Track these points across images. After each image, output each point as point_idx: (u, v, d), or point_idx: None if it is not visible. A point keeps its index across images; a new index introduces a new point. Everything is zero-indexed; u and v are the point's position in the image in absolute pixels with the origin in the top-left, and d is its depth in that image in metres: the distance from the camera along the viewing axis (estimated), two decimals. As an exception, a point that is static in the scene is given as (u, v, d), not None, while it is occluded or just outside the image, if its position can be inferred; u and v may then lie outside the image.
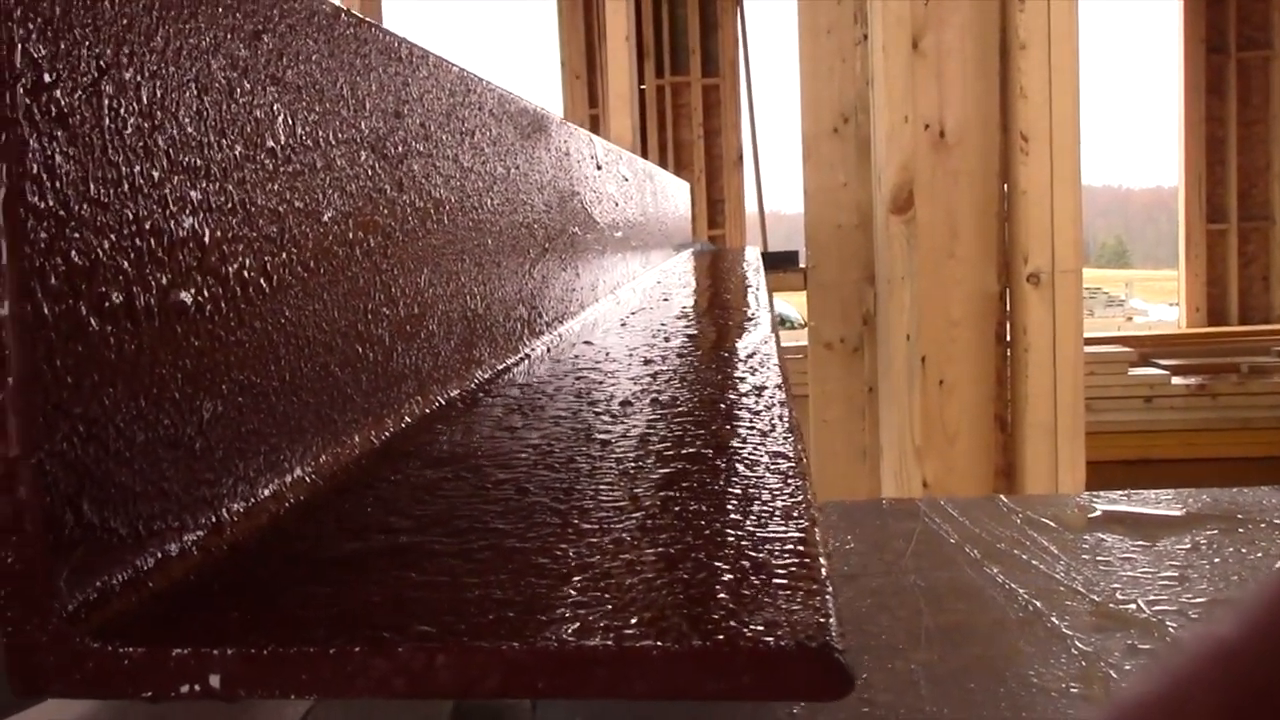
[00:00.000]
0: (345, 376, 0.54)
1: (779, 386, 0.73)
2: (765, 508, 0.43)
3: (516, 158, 0.96)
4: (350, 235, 0.56)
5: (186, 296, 0.39)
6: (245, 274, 0.44)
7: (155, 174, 0.38)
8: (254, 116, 0.45)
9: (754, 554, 0.38)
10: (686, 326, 1.14)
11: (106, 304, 0.35)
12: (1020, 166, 2.67)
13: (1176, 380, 7.27)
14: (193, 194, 0.40)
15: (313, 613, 0.34)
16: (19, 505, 0.31)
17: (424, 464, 0.54)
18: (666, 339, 1.04)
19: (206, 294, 0.41)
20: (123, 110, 0.36)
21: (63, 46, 0.33)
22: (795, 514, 0.42)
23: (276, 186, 0.47)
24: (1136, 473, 6.93)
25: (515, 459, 0.54)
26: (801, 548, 0.38)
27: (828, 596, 0.33)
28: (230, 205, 0.43)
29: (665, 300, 1.49)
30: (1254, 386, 7.18)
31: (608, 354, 0.93)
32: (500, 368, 0.85)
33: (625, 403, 0.69)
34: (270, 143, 0.47)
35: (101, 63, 0.35)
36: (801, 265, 3.50)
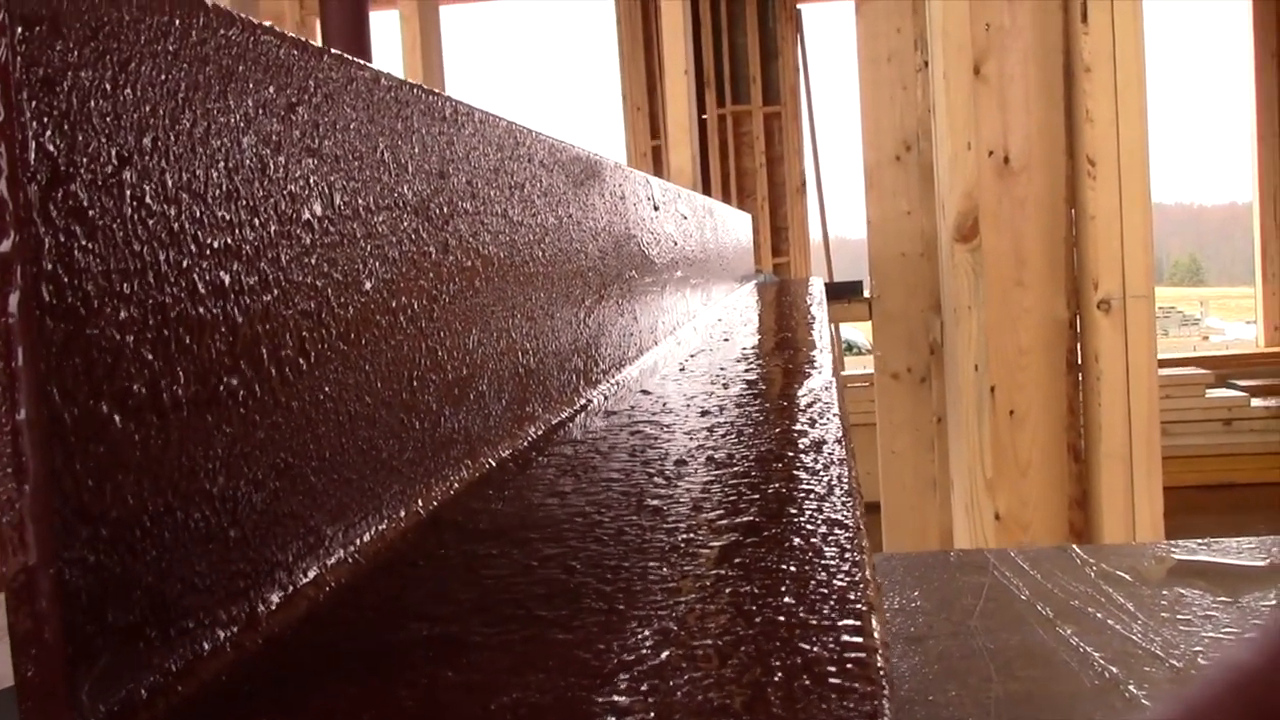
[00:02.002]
0: (389, 448, 0.53)
1: (839, 441, 0.71)
2: (821, 589, 0.41)
3: (569, 206, 0.95)
4: (393, 303, 0.55)
5: (217, 384, 0.38)
6: (281, 354, 0.43)
7: (183, 261, 0.37)
8: (288, 191, 0.44)
9: (808, 647, 0.36)
10: (746, 370, 1.12)
11: (130, 400, 0.34)
12: (1088, 191, 2.62)
13: (1256, 402, 7.10)
14: (223, 276, 0.39)
15: (343, 717, 0.33)
16: (39, 616, 0.30)
17: (471, 537, 0.53)
18: (725, 385, 1.02)
19: (238, 380, 0.40)
20: (146, 198, 0.35)
21: (80, 139, 0.32)
22: (852, 597, 0.40)
23: (314, 260, 0.46)
24: (1217, 497, 6.76)
25: (564, 530, 0.53)
26: (859, 639, 0.36)
27: (883, 700, 0.31)
28: (263, 284, 0.42)
29: (726, 340, 1.47)
30: (1337, 407, 6.99)
31: (665, 404, 0.92)
32: (555, 422, 0.84)
33: (680, 461, 0.68)
34: (306, 216, 0.46)
35: (123, 152, 0.34)
36: (866, 295, 3.46)
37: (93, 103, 0.33)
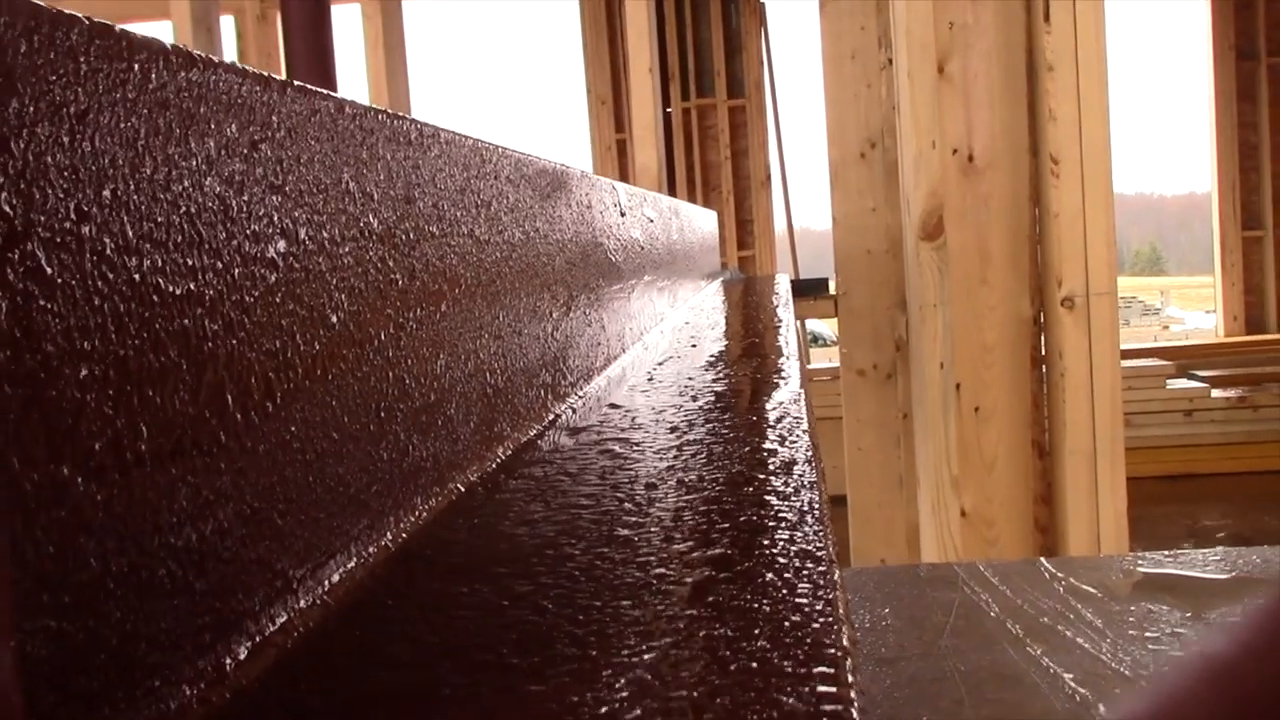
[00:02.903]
0: (358, 483, 0.52)
1: (809, 461, 0.70)
2: (796, 632, 0.41)
3: (536, 221, 0.94)
4: (360, 335, 0.54)
5: (181, 435, 0.38)
6: (246, 398, 0.42)
7: (144, 312, 0.36)
8: (251, 231, 0.44)
9: (784, 699, 0.36)
10: (714, 381, 1.12)
11: (91, 460, 0.33)
12: (1051, 190, 2.63)
13: (1216, 393, 7.17)
14: (186, 324, 0.38)
15: (314, 782, 0.32)
16: (-2, 688, 0.29)
17: (441, 573, 0.52)
18: (694, 398, 1.02)
19: (203, 429, 0.39)
20: (107, 251, 0.34)
21: (37, 197, 0.31)
22: (827, 642, 0.40)
23: (278, 299, 0.45)
24: (1178, 488, 6.83)
25: (535, 565, 0.52)
26: (834, 688, 0.36)
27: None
28: (228, 329, 0.41)
29: (694, 346, 1.47)
30: (1296, 397, 7.08)
31: (634, 419, 0.91)
32: (524, 440, 0.83)
33: (650, 485, 0.67)
34: (270, 254, 0.45)
35: (81, 206, 0.33)
36: (832, 292, 3.47)
37: (50, 158, 0.32)
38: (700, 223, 2.94)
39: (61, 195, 0.32)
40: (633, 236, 1.52)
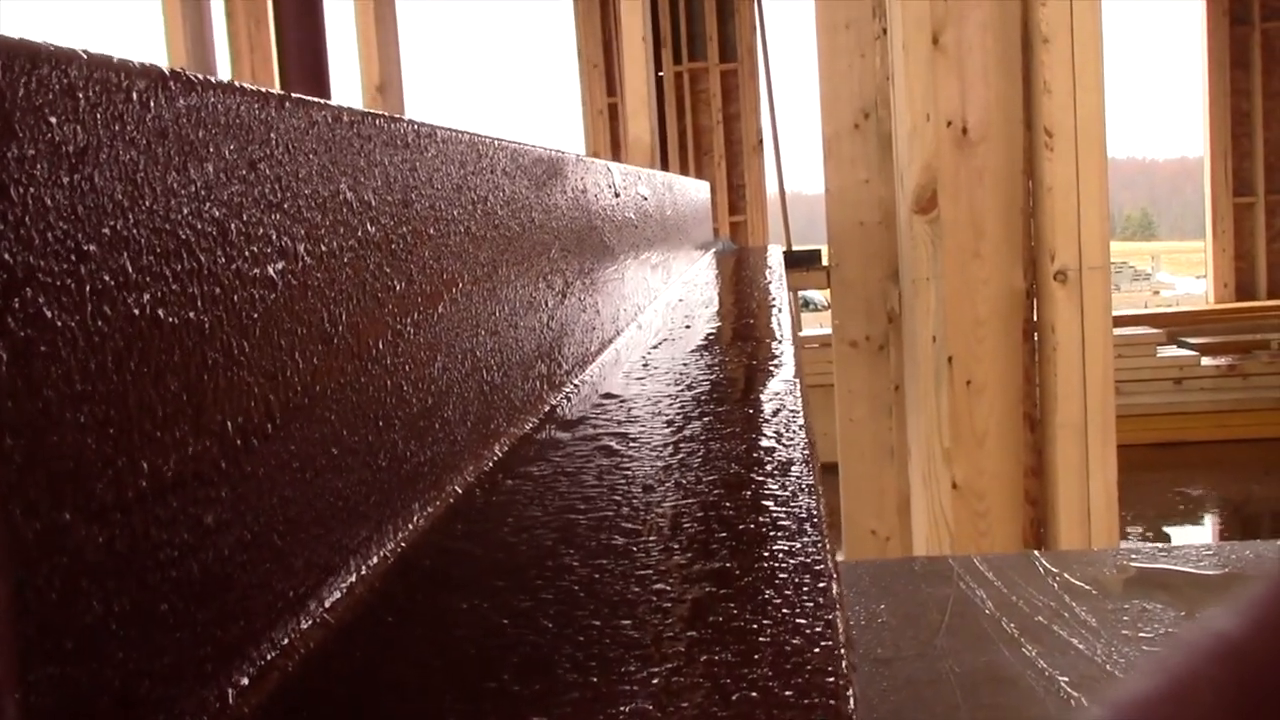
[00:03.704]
0: (356, 495, 0.52)
1: (806, 461, 0.70)
2: (796, 658, 0.41)
3: (532, 211, 0.94)
4: (357, 346, 0.54)
5: (181, 468, 0.37)
6: (246, 423, 0.42)
7: (144, 347, 0.36)
8: (250, 252, 0.43)
9: (786, 735, 0.36)
10: (709, 368, 1.12)
11: (93, 503, 0.33)
12: (1045, 163, 2.63)
13: (1206, 361, 7.20)
14: (185, 356, 0.38)
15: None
16: (3, 739, 0.29)
17: (441, 585, 0.52)
18: (689, 386, 1.02)
19: (203, 459, 0.39)
20: (107, 290, 0.34)
21: (37, 241, 0.31)
22: (829, 670, 0.40)
23: (277, 318, 0.45)
24: (1167, 455, 6.87)
25: (534, 579, 0.52)
26: (836, 722, 0.36)
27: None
28: (228, 357, 0.41)
29: (688, 327, 1.47)
30: (1285, 365, 7.11)
31: (630, 411, 0.91)
32: (520, 435, 0.83)
33: (648, 487, 0.67)
34: (270, 273, 0.45)
35: (82, 247, 0.33)
36: (824, 263, 3.46)
37: (49, 199, 0.32)
38: (693, 194, 2.93)
39: (61, 236, 0.32)
40: (627, 217, 1.52)
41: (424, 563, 0.56)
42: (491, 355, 0.78)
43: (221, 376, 0.40)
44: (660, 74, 11.21)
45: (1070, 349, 2.68)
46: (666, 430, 0.84)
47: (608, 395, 0.99)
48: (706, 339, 1.35)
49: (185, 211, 0.39)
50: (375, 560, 0.53)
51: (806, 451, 0.73)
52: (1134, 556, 0.89)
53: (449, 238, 0.70)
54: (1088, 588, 0.84)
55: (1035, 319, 2.74)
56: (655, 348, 1.31)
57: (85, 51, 0.34)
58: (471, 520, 0.63)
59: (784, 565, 0.52)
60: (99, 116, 0.34)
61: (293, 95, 0.48)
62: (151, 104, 0.37)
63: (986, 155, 2.67)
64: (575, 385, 1.03)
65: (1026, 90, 2.64)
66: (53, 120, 0.32)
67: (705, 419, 0.87)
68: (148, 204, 0.36)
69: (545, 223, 0.99)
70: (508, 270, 0.85)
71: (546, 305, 0.97)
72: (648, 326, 1.48)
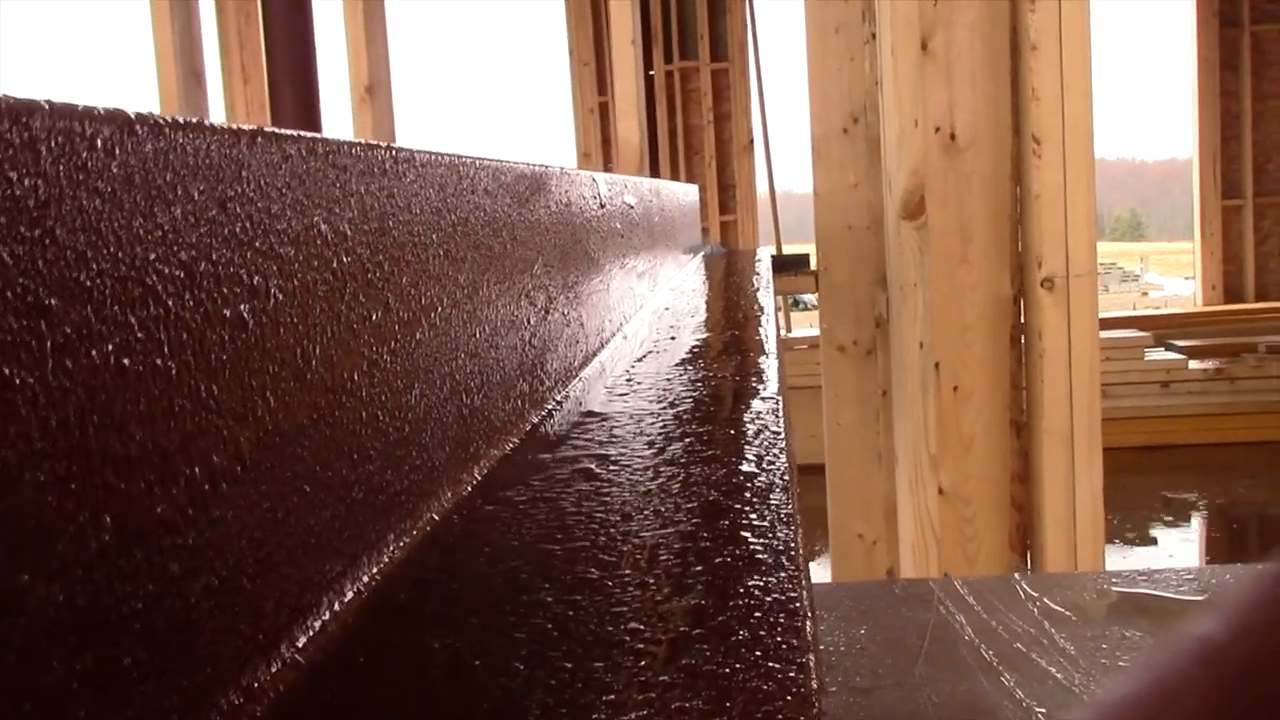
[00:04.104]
0: (329, 530, 0.52)
1: (785, 489, 0.70)
2: (768, 708, 0.41)
3: (514, 229, 0.93)
4: (331, 379, 0.53)
5: (145, 519, 0.37)
6: (213, 469, 0.41)
7: (107, 399, 0.35)
8: (220, 294, 0.43)
9: (754, 792, 0.35)
10: (692, 384, 1.12)
11: (53, 561, 0.32)
12: (1033, 170, 2.63)
13: (1194, 364, 7.22)
14: (149, 406, 0.38)
15: None
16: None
17: (415, 622, 0.52)
18: (672, 403, 1.02)
19: (167, 507, 0.38)
20: (70, 350, 0.33)
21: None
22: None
23: (247, 359, 0.45)
24: (1154, 458, 6.89)
25: (509, 615, 0.52)
26: (805, 778, 0.36)
27: None
28: (195, 403, 0.40)
29: (673, 339, 1.46)
30: (1273, 369, 7.13)
31: (611, 431, 0.91)
32: (500, 456, 0.83)
33: (626, 515, 0.67)
34: (241, 313, 0.44)
35: (43, 304, 0.32)
36: (813, 267, 3.47)
37: (7, 255, 0.31)
38: (681, 198, 2.93)
39: (21, 293, 0.32)
40: (613, 227, 1.52)
41: (399, 596, 0.55)
42: (471, 378, 0.78)
43: (189, 421, 0.40)
44: (651, 72, 11.21)
45: (1057, 355, 2.69)
46: (648, 452, 0.83)
47: (590, 413, 0.99)
48: (691, 351, 1.35)
49: (151, 257, 0.38)
50: (350, 595, 0.53)
51: (786, 478, 0.73)
52: (1115, 581, 0.89)
53: (428, 262, 0.69)
54: (1067, 613, 0.84)
55: (1022, 325, 2.74)
56: (641, 360, 1.31)
57: (48, 102, 0.34)
58: (448, 550, 0.62)
59: (760, 602, 0.52)
60: (61, 168, 0.34)
61: (265, 130, 0.48)
62: (117, 151, 0.36)
63: (974, 161, 2.67)
64: (558, 401, 1.03)
65: (1015, 96, 2.64)
66: (13, 175, 0.31)
67: (687, 439, 0.87)
68: (112, 252, 0.36)
69: (528, 239, 0.98)
70: (489, 290, 0.84)
71: (529, 323, 0.97)
72: (634, 336, 1.47)
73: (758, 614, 0.50)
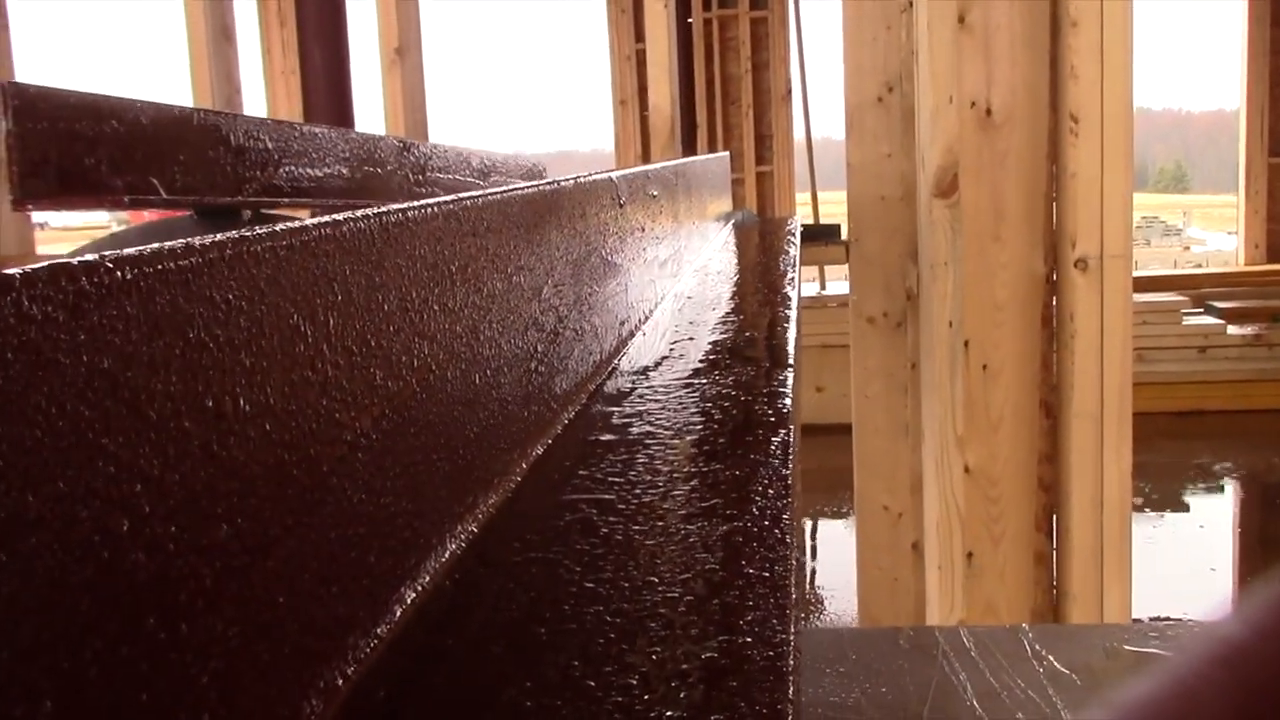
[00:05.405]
0: (306, 642, 0.51)
1: (784, 582, 0.69)
2: None
3: (520, 258, 0.92)
4: (308, 479, 0.52)
5: (117, 652, 0.36)
6: (172, 612, 0.41)
7: (81, 509, 0.34)
8: (208, 377, 0.42)
9: None
10: (701, 407, 1.10)
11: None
12: (1070, 149, 2.58)
13: (1232, 330, 7.12)
14: (126, 524, 0.37)
15: None
16: None
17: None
18: (680, 432, 1.00)
19: (120, 655, 0.37)
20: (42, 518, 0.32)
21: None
22: None
23: (210, 493, 0.44)
24: (1188, 424, 6.83)
25: (512, 708, 0.51)
26: None
27: None
28: (149, 551, 0.39)
29: (691, 339, 1.45)
30: (1313, 336, 7.02)
31: (612, 469, 0.90)
32: (496, 502, 0.81)
33: (620, 589, 0.66)
34: (207, 444, 0.43)
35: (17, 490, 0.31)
36: (844, 238, 3.43)
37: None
38: (711, 170, 2.89)
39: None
40: (633, 222, 1.49)
41: (379, 694, 0.54)
42: (470, 424, 0.77)
43: (142, 572, 0.39)
44: (689, 20, 11.09)
45: (1089, 337, 2.65)
46: (649, 498, 0.82)
47: (596, 442, 0.98)
48: (709, 358, 1.33)
49: (131, 393, 0.37)
50: (333, 692, 0.52)
51: (785, 565, 0.72)
52: (1128, 639, 0.87)
53: (419, 323, 0.68)
54: (1075, 679, 0.82)
55: (1055, 305, 2.70)
56: (656, 366, 1.29)
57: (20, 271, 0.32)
58: (433, 631, 0.61)
59: (742, 714, 0.50)
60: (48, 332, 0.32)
61: (244, 253, 0.46)
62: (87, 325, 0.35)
63: (1010, 138, 2.62)
64: (564, 425, 1.02)
65: (1053, 73, 2.59)
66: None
67: (691, 483, 0.86)
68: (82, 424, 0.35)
69: (535, 266, 0.97)
70: (490, 330, 0.83)
71: (536, 352, 0.95)
72: (650, 338, 1.46)
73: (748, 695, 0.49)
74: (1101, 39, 2.49)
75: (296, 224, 0.52)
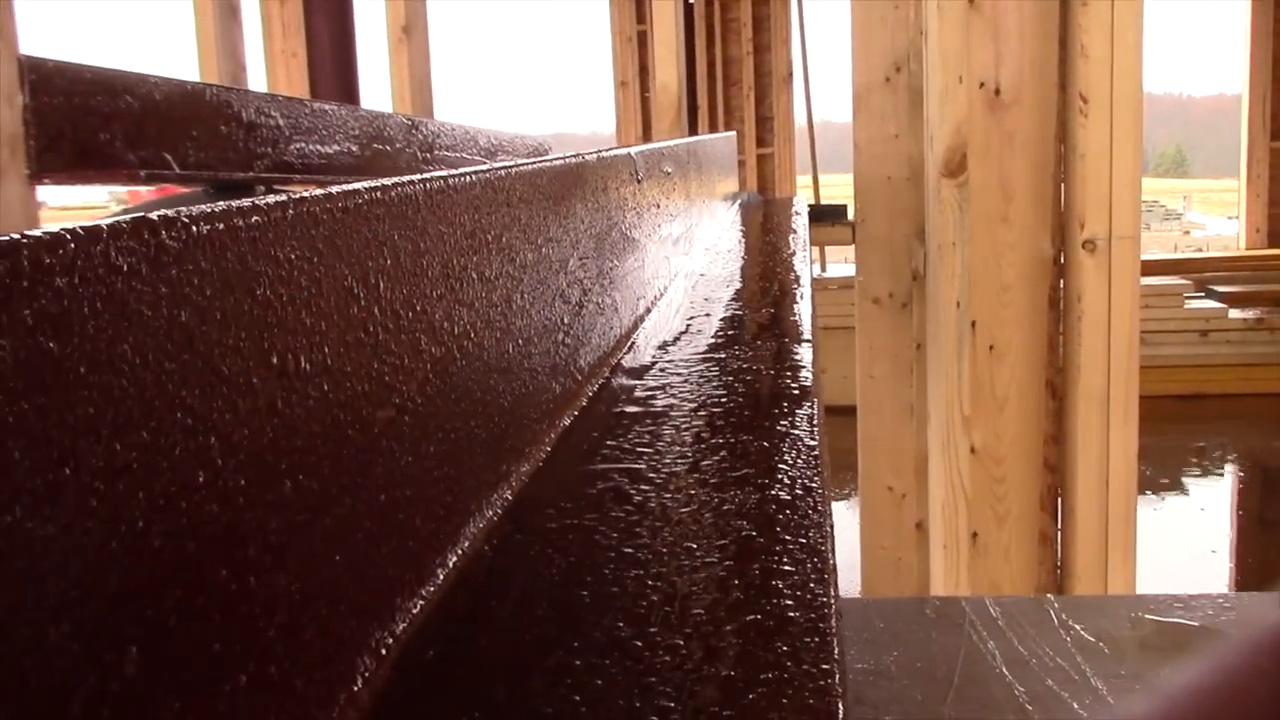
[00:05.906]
0: (323, 644, 0.51)
1: (827, 609, 0.69)
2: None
3: (549, 230, 0.92)
4: (337, 476, 0.52)
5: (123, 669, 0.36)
6: (276, 541, 0.41)
7: (162, 460, 0.35)
8: (273, 335, 0.42)
9: None
10: (723, 381, 1.10)
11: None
12: (1079, 129, 2.57)
13: (1234, 313, 7.13)
14: (200, 477, 0.37)
15: None
16: None
17: (439, 696, 0.52)
18: (703, 404, 1.01)
19: (235, 583, 0.38)
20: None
21: None
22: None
23: (305, 414, 0.44)
24: (1190, 407, 6.84)
25: (536, 687, 0.52)
26: None
27: None
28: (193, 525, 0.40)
29: (707, 315, 1.45)
30: (1314, 320, 7.03)
31: (640, 438, 0.90)
32: (532, 471, 0.82)
33: (658, 554, 0.66)
34: (254, 381, 0.44)
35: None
36: (850, 218, 3.43)
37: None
38: (719, 150, 2.89)
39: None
40: (649, 199, 1.50)
41: (428, 654, 0.55)
42: (503, 397, 0.77)
43: (184, 547, 0.39)
44: (690, 2, 11.05)
45: (1096, 318, 2.65)
46: (670, 487, 0.82)
47: (621, 414, 0.98)
48: (726, 334, 1.33)
49: (162, 370, 0.37)
50: (385, 651, 0.53)
51: (824, 572, 0.72)
52: (1150, 609, 0.88)
53: (459, 291, 0.68)
54: (1102, 647, 0.83)
55: (1062, 286, 2.70)
56: (674, 341, 1.30)
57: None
58: (476, 594, 0.62)
59: (790, 673, 0.51)
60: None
61: (289, 231, 0.47)
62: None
63: (1019, 118, 2.62)
64: (588, 398, 1.02)
65: (1062, 53, 2.58)
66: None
67: (720, 454, 0.86)
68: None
69: (562, 238, 0.97)
70: (523, 300, 0.83)
71: (563, 323, 0.96)
72: (665, 315, 1.46)
73: (789, 692, 0.50)
74: (1112, 18, 2.48)
75: (349, 187, 0.53)
